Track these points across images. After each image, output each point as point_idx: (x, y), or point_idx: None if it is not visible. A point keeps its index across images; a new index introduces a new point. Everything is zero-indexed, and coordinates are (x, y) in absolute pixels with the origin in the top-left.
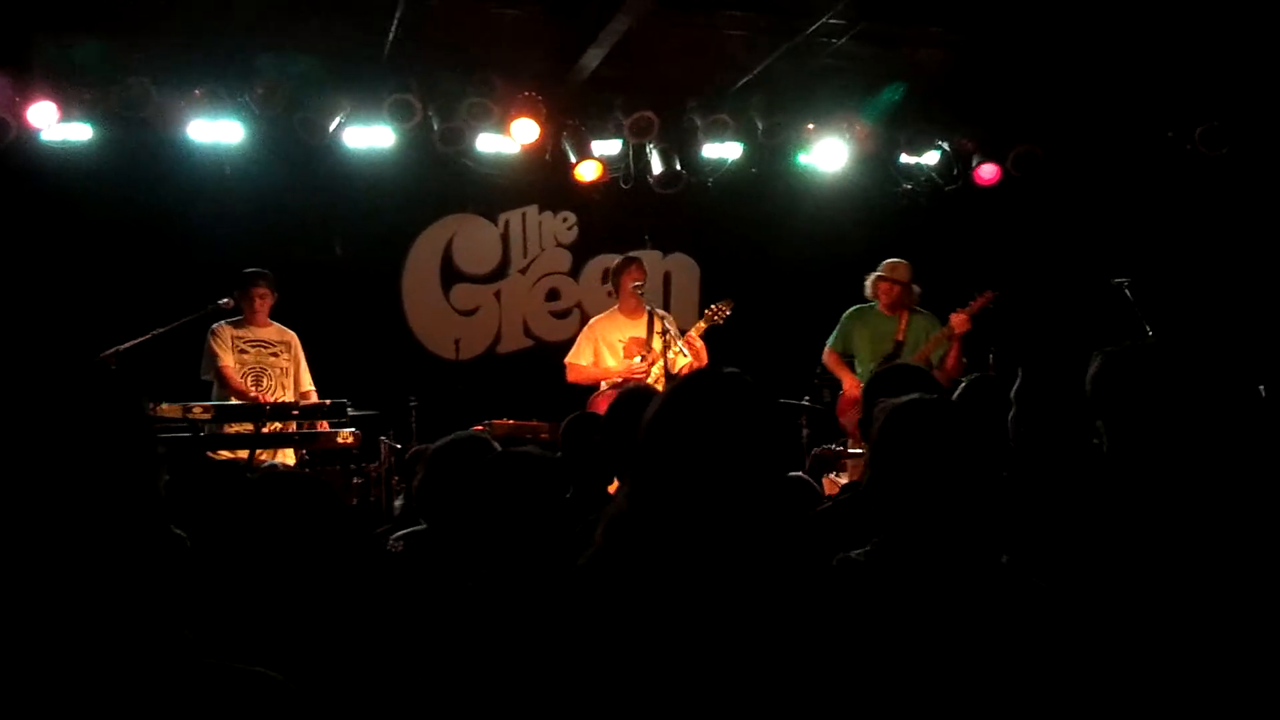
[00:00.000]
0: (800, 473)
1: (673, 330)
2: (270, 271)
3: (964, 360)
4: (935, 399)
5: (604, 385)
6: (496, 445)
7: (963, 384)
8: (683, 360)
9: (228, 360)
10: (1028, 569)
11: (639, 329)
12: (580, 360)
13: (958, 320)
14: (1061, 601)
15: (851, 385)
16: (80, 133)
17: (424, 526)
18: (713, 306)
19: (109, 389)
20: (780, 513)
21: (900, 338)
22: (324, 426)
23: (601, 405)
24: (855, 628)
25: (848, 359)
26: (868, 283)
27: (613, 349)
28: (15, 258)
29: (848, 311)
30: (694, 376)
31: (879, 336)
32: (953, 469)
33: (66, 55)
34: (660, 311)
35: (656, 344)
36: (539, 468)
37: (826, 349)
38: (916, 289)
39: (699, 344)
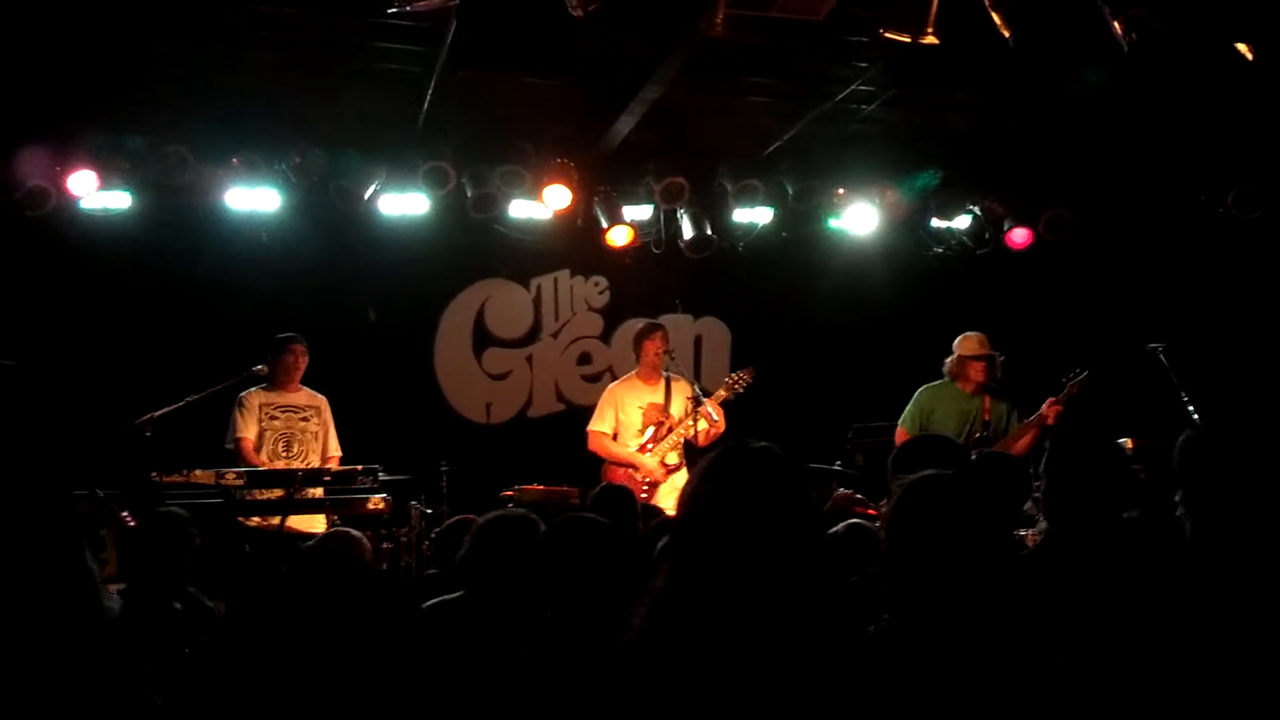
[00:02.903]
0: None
1: (698, 394)
2: (302, 335)
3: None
4: (949, 474)
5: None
6: (542, 525)
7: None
8: (701, 426)
9: (249, 434)
10: (1050, 645)
11: (657, 395)
12: (602, 427)
13: (1051, 412)
14: (1091, 678)
15: None
16: (119, 201)
17: (460, 594)
18: (732, 375)
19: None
20: (821, 587)
21: (987, 417)
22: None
23: (615, 473)
24: (867, 703)
25: None
26: (950, 361)
27: (630, 417)
28: (55, 324)
29: (923, 389)
30: (725, 452)
31: (965, 417)
32: (965, 544)
33: (109, 140)
34: (677, 377)
35: (675, 410)
36: (600, 534)
37: (900, 429)
38: (1001, 359)
39: (718, 413)
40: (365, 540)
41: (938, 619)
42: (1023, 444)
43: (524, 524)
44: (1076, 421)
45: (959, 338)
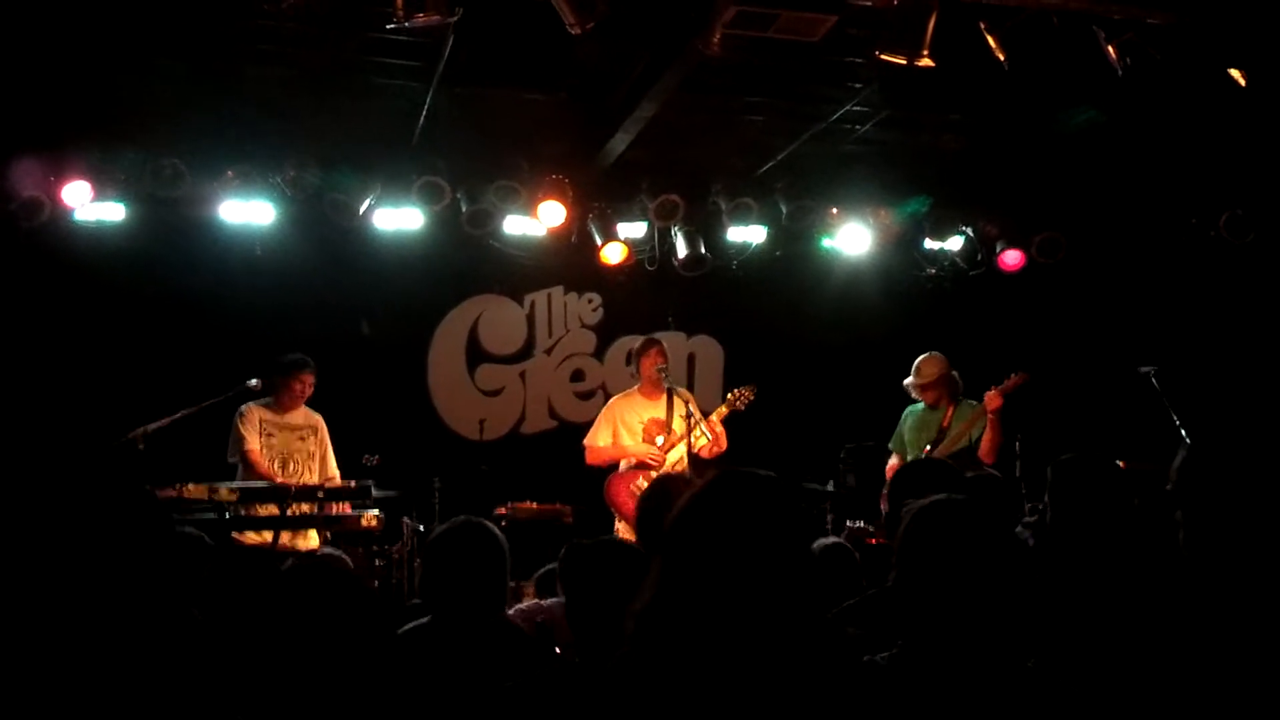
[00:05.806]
0: (839, 538)
1: (695, 412)
2: (311, 360)
3: (1000, 439)
4: (960, 500)
5: (622, 465)
6: (496, 531)
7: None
8: (703, 441)
9: (254, 444)
10: (1058, 674)
11: (658, 410)
12: (599, 442)
13: (990, 397)
14: (1101, 708)
15: None
16: (113, 212)
17: (427, 619)
18: (735, 391)
19: (111, 474)
20: (810, 613)
21: (945, 424)
22: (347, 508)
23: (618, 484)
24: None
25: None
26: (908, 384)
27: (631, 430)
28: (47, 336)
29: (907, 409)
30: (728, 476)
31: (925, 427)
32: (978, 570)
33: (104, 152)
34: (682, 391)
35: (677, 425)
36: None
37: (891, 458)
38: (956, 376)
39: (719, 429)
40: (347, 560)
41: (956, 646)
42: (985, 445)
43: (475, 532)
44: (1078, 446)
45: (921, 359)
